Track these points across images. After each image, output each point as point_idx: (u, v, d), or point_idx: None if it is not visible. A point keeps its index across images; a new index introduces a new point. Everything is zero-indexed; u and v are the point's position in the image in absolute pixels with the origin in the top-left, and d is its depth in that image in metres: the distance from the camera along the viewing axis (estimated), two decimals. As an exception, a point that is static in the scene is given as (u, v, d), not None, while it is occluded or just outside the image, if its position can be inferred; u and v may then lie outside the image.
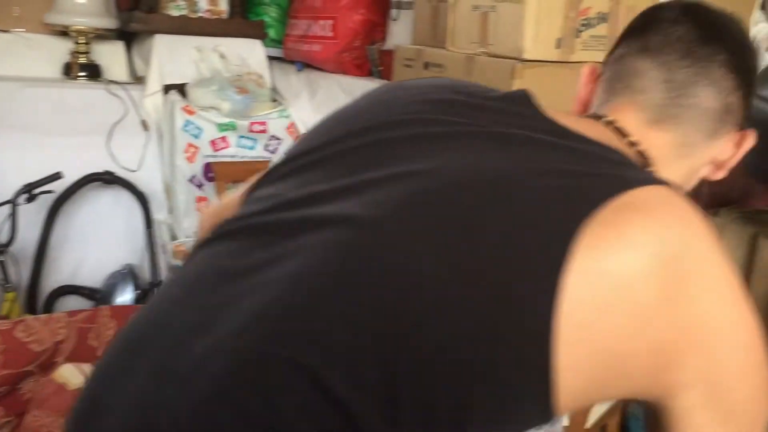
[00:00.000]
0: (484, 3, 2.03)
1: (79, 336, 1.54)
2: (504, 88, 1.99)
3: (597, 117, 0.81)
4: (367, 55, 2.87)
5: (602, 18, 1.99)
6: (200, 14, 3.08)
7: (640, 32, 0.84)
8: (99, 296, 2.82)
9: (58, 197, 2.70)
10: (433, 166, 0.68)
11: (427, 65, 2.26)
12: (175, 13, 3.03)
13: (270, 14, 3.28)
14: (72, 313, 1.55)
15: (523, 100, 0.80)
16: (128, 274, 2.84)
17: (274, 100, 3.16)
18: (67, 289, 2.83)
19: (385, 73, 2.79)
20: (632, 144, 0.77)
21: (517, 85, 1.94)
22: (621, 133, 0.78)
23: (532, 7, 1.89)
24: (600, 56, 2.06)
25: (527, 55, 1.92)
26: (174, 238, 2.96)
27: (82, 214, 2.86)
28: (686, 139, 0.79)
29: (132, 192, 2.81)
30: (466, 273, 0.60)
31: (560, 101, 1.94)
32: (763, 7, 2.30)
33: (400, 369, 0.57)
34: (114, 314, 1.56)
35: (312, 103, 3.02)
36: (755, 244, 1.82)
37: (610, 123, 0.79)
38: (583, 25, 1.97)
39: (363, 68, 2.89)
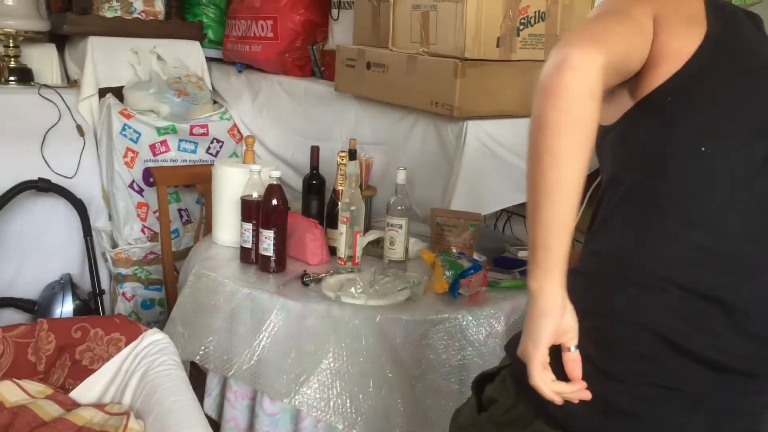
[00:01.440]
0: (425, 2, 2.04)
1: (17, 351, 1.48)
2: (446, 86, 2.01)
3: None
4: (308, 55, 2.84)
5: (540, 16, 2.02)
6: (135, 15, 3.00)
7: None
8: (36, 308, 2.72)
9: (-9, 207, 2.61)
10: None
11: (369, 65, 2.26)
12: (109, 14, 2.95)
13: (208, 15, 3.22)
14: (8, 328, 1.49)
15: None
16: (67, 284, 2.75)
17: (215, 102, 3.11)
18: (2, 302, 2.73)
19: (327, 73, 2.77)
20: None
21: (459, 84, 1.95)
22: None
23: (473, 6, 1.91)
24: (539, 54, 2.10)
25: (469, 54, 1.94)
26: (114, 245, 2.88)
27: (16, 224, 2.76)
28: None
29: (69, 199, 2.72)
30: None
31: (502, 99, 1.97)
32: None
33: None
34: (53, 327, 1.51)
35: (254, 104, 2.98)
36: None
37: None
38: (522, 23, 2.00)
39: (305, 69, 2.87)
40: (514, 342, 1.04)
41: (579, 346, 0.95)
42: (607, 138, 1.04)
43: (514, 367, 1.05)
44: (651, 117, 0.99)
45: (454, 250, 2.03)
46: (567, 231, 0.90)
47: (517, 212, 2.52)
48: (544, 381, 0.94)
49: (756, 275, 0.98)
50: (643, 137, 1.00)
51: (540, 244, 0.91)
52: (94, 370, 1.50)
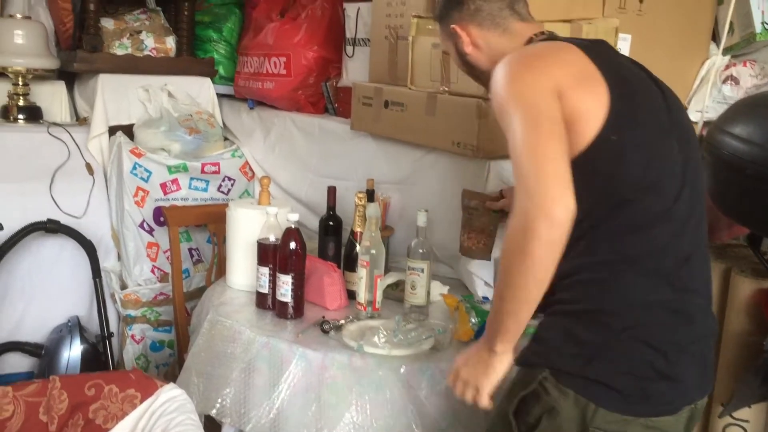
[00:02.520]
0: (445, 41, 1.99)
1: (28, 411, 1.41)
2: (469, 127, 1.95)
3: None
4: (321, 91, 2.80)
5: (564, 54, 1.97)
6: (146, 52, 2.97)
7: None
8: (43, 352, 2.65)
9: (-2, 248, 2.54)
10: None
11: (387, 104, 2.21)
12: (120, 51, 2.92)
13: (219, 51, 3.19)
14: (18, 386, 1.41)
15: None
16: (75, 327, 2.68)
17: (226, 139, 3.06)
18: (8, 346, 2.66)
19: (341, 110, 2.73)
20: None
21: (482, 125, 1.90)
22: None
23: (496, 45, 1.85)
24: (563, 92, 2.05)
25: (492, 94, 1.88)
26: (124, 286, 2.82)
27: (24, 265, 2.69)
28: None
29: (78, 240, 2.66)
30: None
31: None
32: (714, 39, 2.33)
33: None
34: (65, 385, 1.43)
35: (266, 142, 2.93)
36: (728, 280, 1.81)
37: None
38: (545, 62, 1.95)
39: (318, 105, 2.83)
40: (533, 353, 1.29)
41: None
42: None
43: (556, 368, 1.24)
44: (604, 155, 1.20)
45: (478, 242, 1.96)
46: (526, 322, 1.22)
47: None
48: (487, 402, 1.31)
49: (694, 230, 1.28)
50: (603, 171, 1.21)
51: (511, 329, 1.23)
52: (107, 430, 1.42)
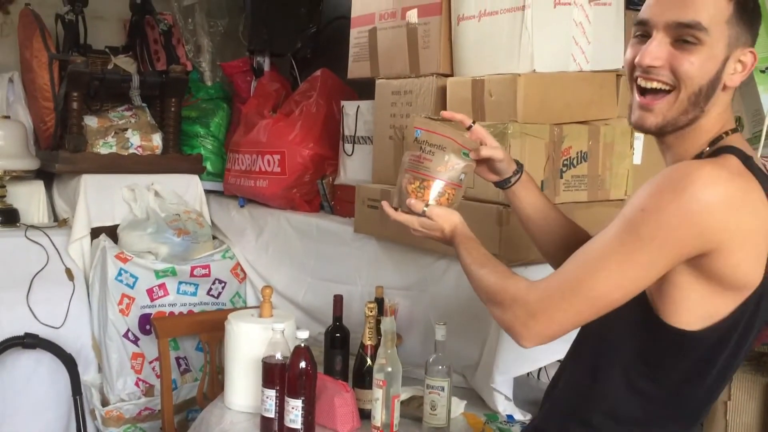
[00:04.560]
0: (459, 144, 1.91)
1: None
2: (488, 234, 1.84)
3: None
4: (317, 189, 2.70)
5: (583, 157, 1.90)
6: (132, 150, 2.85)
7: None
8: (16, 480, 2.41)
9: (-32, 366, 2.34)
10: None
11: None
12: (104, 150, 2.79)
13: (206, 146, 3.09)
14: None
15: None
16: (51, 450, 2.45)
17: (214, 238, 2.92)
18: (-24, 474, 2.42)
19: (338, 209, 2.62)
20: None
21: (503, 232, 1.80)
22: None
23: (516, 149, 1.78)
24: (581, 196, 1.97)
25: (513, 200, 1.79)
26: (105, 402, 2.60)
27: (-4, 383, 2.48)
28: None
29: (57, 355, 2.46)
30: None
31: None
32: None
33: None
34: None
35: (258, 241, 2.79)
36: (773, 395, 1.69)
37: None
38: (564, 165, 1.87)
39: (313, 203, 2.72)
40: None
41: None
42: (659, 330, 1.14)
43: None
44: (721, 334, 1.12)
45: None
46: None
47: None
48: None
49: None
50: (710, 350, 1.14)
51: (465, 263, 1.39)
52: None
